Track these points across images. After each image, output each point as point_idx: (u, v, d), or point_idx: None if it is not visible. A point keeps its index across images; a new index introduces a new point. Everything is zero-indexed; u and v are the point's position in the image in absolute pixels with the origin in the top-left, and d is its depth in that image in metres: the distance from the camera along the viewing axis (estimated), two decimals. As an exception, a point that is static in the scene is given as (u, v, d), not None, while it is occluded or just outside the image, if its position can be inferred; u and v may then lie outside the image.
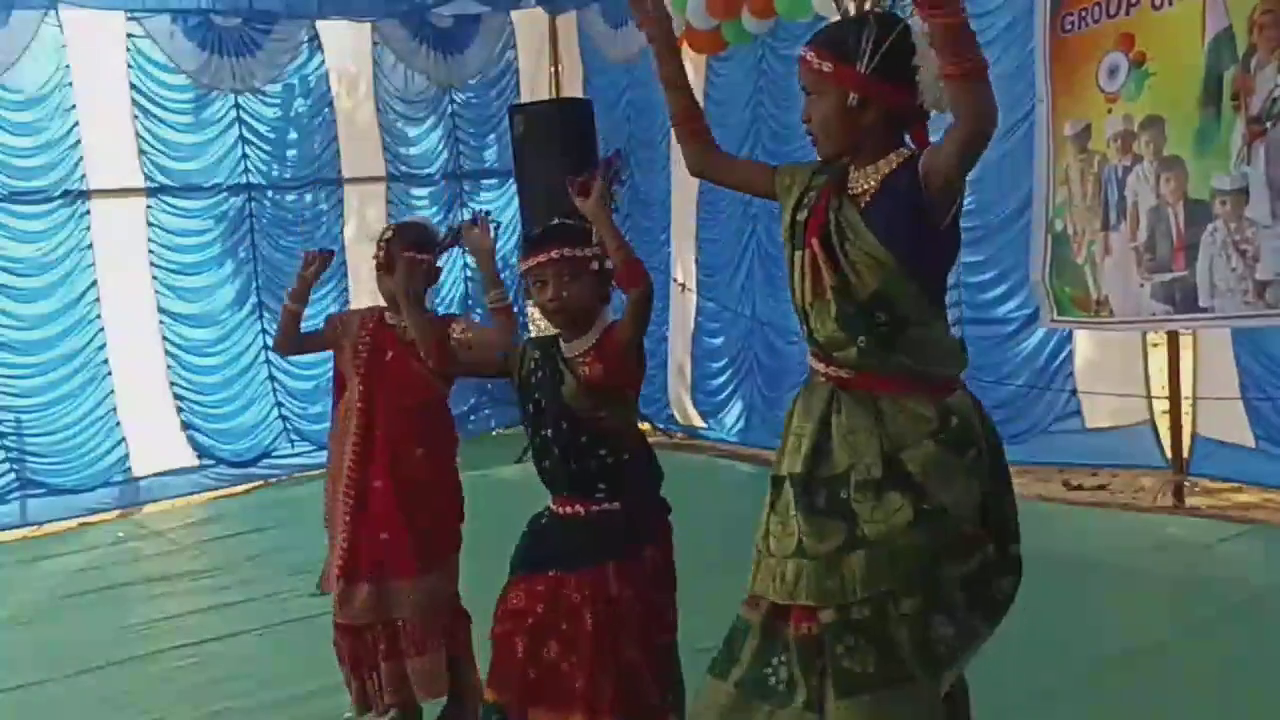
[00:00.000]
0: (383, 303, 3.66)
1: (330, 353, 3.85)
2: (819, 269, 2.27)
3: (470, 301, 9.04)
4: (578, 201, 2.75)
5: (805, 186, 2.41)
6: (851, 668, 2.18)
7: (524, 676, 2.78)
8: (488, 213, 3.55)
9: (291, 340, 3.78)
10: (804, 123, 2.36)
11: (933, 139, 2.28)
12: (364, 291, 8.42)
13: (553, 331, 2.92)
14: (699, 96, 8.27)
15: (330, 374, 8.25)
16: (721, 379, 8.21)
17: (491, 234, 3.30)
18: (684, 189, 8.23)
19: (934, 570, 2.20)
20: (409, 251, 3.32)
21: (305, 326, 3.77)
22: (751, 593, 2.36)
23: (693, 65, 8.06)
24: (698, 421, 8.41)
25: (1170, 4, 5.27)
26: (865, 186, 2.30)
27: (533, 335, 9.36)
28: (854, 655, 2.18)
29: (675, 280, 8.36)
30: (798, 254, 2.36)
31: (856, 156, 2.32)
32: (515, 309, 9.59)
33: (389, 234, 3.59)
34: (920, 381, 2.27)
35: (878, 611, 2.19)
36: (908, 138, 2.33)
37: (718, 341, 8.23)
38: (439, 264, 3.55)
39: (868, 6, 2.28)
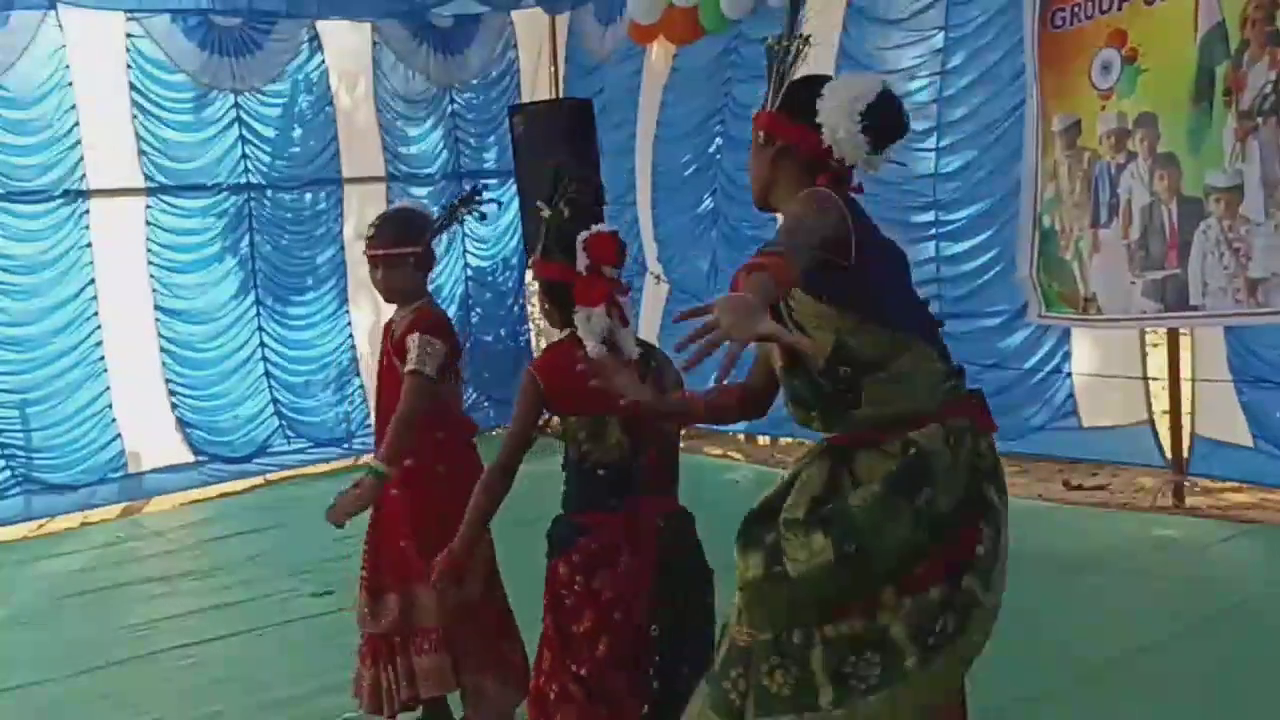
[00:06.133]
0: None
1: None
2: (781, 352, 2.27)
3: (470, 301, 9.04)
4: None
5: None
6: (769, 687, 2.20)
7: None
8: (485, 188, 3.56)
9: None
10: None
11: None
12: (363, 290, 8.44)
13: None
14: (665, 75, 8.18)
15: (326, 369, 8.35)
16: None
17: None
18: (644, 180, 8.30)
19: (871, 605, 2.17)
20: (387, 249, 3.38)
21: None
22: None
23: (665, 51, 8.07)
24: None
25: (1162, -1, 5.27)
26: None
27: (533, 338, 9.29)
28: (774, 675, 2.20)
29: (651, 273, 8.36)
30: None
31: (777, 207, 2.32)
32: (516, 307, 9.56)
33: (370, 232, 3.49)
34: (892, 427, 2.21)
35: (805, 637, 2.19)
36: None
37: (686, 330, 8.19)
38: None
39: (784, 43, 2.32)
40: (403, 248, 3.40)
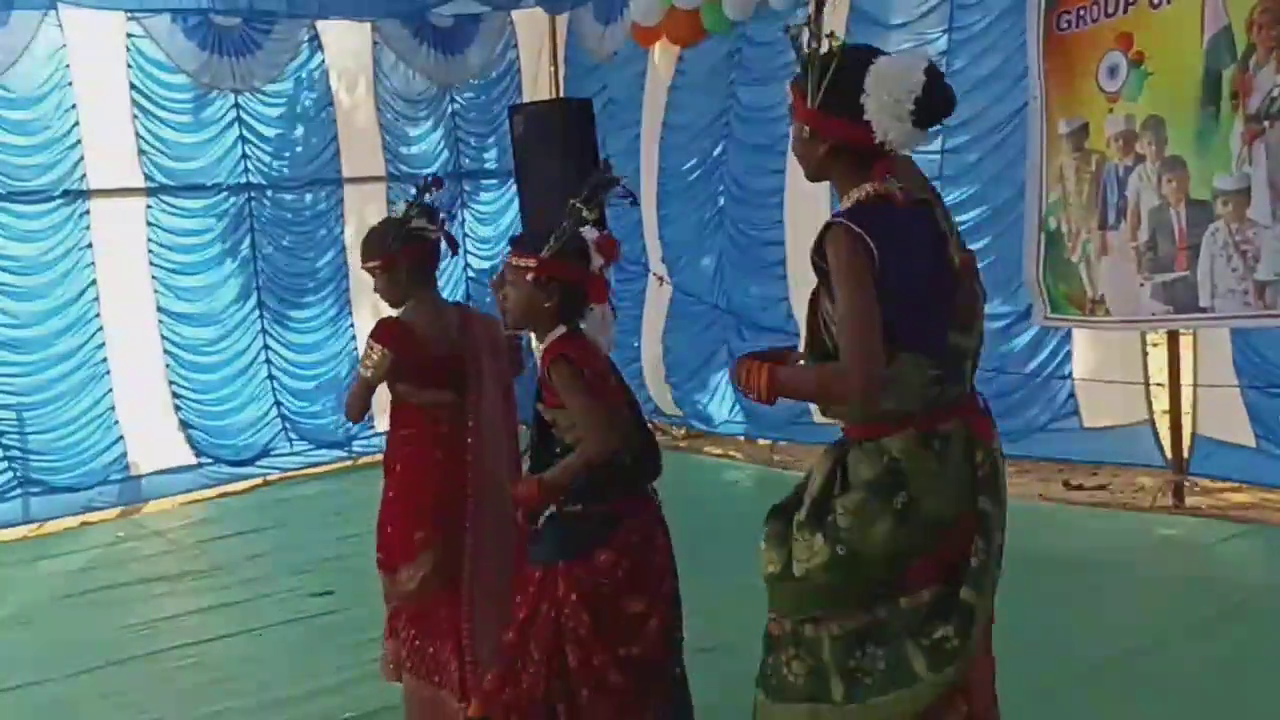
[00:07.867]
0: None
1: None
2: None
3: (471, 301, 9.04)
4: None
5: None
6: (787, 675, 2.32)
7: None
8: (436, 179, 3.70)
9: None
10: None
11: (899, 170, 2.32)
12: (364, 292, 8.44)
13: None
14: (669, 77, 8.01)
15: (328, 375, 8.35)
16: (695, 369, 8.20)
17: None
18: (649, 181, 8.29)
19: (868, 603, 2.26)
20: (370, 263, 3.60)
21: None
22: None
23: (669, 54, 8.07)
24: (676, 411, 8.39)
25: (1168, 2, 5.27)
26: None
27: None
28: (791, 665, 2.32)
29: (654, 274, 8.35)
30: None
31: (837, 188, 2.37)
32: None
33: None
34: (880, 424, 2.27)
35: (816, 630, 2.29)
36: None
37: (690, 332, 8.20)
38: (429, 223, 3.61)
39: (813, 43, 2.29)
40: (366, 262, 3.67)
